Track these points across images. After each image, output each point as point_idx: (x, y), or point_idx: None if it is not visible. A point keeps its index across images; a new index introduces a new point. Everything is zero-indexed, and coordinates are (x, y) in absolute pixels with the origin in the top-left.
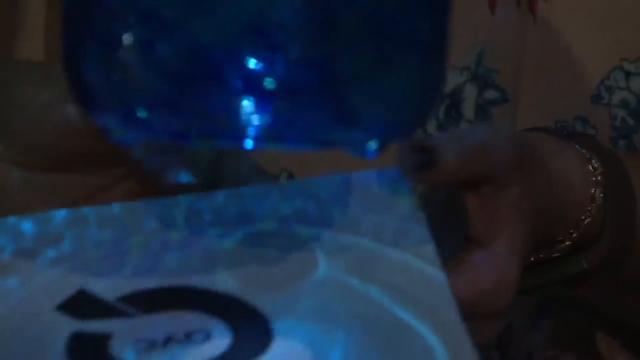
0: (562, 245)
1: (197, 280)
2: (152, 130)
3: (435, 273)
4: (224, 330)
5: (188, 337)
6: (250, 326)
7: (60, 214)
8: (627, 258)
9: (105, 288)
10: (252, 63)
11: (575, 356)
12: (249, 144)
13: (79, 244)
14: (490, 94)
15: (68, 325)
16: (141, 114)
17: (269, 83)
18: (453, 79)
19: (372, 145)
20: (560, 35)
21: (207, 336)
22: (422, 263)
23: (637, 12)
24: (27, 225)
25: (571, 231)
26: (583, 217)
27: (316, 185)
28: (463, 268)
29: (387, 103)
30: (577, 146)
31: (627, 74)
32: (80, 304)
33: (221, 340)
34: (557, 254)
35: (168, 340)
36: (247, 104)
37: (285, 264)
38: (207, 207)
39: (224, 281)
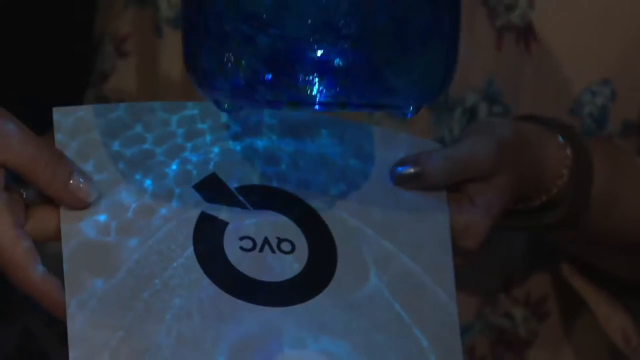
0: (534, 203)
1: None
2: (252, 100)
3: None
4: (304, 246)
5: (279, 245)
6: (322, 249)
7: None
8: (581, 219)
9: (230, 178)
10: (321, 52)
11: (549, 276)
12: (319, 108)
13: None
14: (497, 109)
15: (200, 205)
16: (244, 87)
17: (335, 64)
18: (471, 98)
19: (410, 110)
20: (548, 66)
21: (292, 248)
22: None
23: (598, 50)
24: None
25: (542, 196)
26: (552, 188)
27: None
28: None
29: (418, 78)
30: (560, 136)
31: (593, 93)
32: (211, 186)
33: (301, 254)
34: (530, 209)
35: (264, 244)
36: (319, 79)
37: None
38: None
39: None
